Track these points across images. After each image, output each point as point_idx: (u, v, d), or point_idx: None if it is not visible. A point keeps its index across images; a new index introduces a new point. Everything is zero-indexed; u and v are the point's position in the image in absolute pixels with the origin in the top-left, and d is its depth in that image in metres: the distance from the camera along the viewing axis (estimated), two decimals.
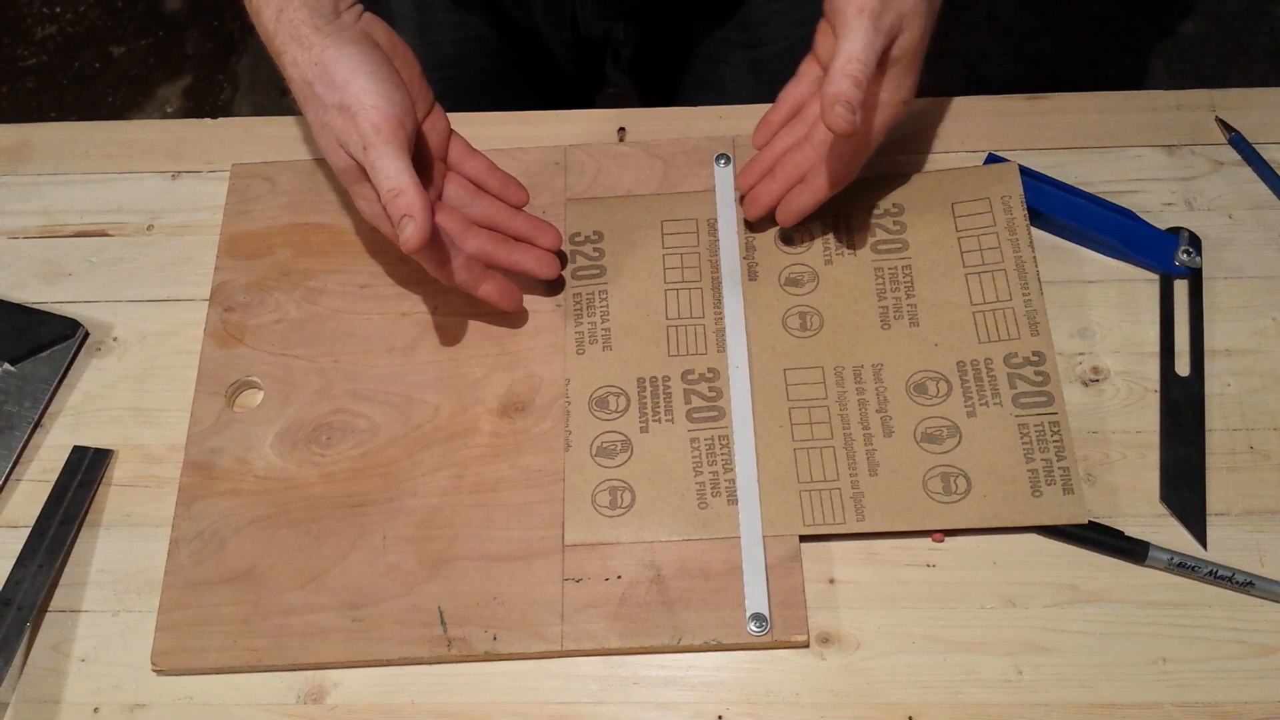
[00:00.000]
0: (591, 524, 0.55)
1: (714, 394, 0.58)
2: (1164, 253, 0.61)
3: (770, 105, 0.61)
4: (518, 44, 0.78)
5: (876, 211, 0.62)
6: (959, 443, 0.56)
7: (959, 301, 0.59)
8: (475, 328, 0.61)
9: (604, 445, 0.57)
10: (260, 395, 0.60)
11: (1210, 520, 0.55)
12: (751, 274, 0.61)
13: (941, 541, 0.55)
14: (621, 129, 0.68)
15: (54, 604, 0.55)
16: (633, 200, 0.64)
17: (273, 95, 1.67)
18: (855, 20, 0.52)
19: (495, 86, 0.81)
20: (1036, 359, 0.57)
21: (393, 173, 0.52)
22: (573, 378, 0.59)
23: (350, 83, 0.53)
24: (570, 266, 0.62)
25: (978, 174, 0.63)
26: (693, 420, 0.57)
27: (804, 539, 0.54)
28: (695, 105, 0.69)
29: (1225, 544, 0.54)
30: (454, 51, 0.78)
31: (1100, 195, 0.63)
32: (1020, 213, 0.61)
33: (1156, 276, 0.61)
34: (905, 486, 0.55)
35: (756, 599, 0.53)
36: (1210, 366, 0.58)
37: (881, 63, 0.54)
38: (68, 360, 0.61)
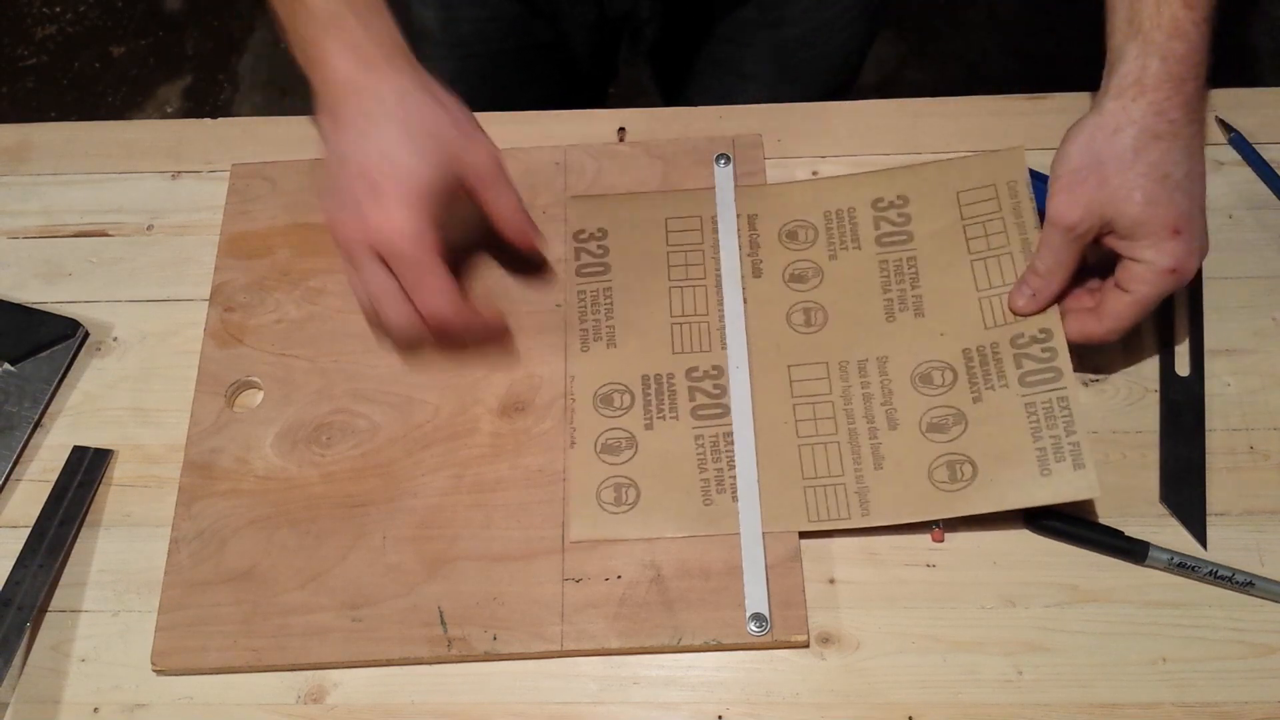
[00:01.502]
0: (596, 520, 0.55)
1: (718, 391, 0.58)
2: None
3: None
4: (537, 26, 0.78)
5: (881, 204, 0.62)
6: (965, 429, 0.55)
7: (964, 289, 0.59)
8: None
9: (608, 442, 0.57)
10: (260, 395, 0.60)
11: (1210, 520, 0.55)
12: (756, 271, 0.61)
13: (941, 541, 0.55)
14: (621, 129, 0.68)
15: (54, 604, 0.55)
16: (637, 197, 0.64)
17: (273, 95, 1.67)
18: (1045, 229, 0.56)
19: (510, 69, 0.80)
20: (1044, 335, 0.56)
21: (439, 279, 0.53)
22: (577, 375, 0.59)
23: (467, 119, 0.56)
24: (574, 264, 0.62)
25: (983, 161, 0.62)
26: (697, 417, 0.57)
27: (804, 537, 0.54)
28: (712, 88, 0.68)
29: (1225, 544, 0.54)
30: (473, 30, 0.77)
31: None
32: (1026, 196, 0.60)
33: None
34: (910, 478, 0.55)
35: (756, 599, 0.53)
36: (1210, 366, 0.58)
37: (1111, 242, 0.55)
38: (68, 360, 0.61)
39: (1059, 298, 0.57)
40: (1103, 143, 0.53)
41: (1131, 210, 0.53)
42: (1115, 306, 0.54)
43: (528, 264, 0.62)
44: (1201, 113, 0.54)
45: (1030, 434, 0.54)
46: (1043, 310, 0.57)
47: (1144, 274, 0.53)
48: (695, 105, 0.68)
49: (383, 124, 0.52)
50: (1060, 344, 0.56)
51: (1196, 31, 0.52)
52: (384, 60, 0.53)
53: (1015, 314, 0.57)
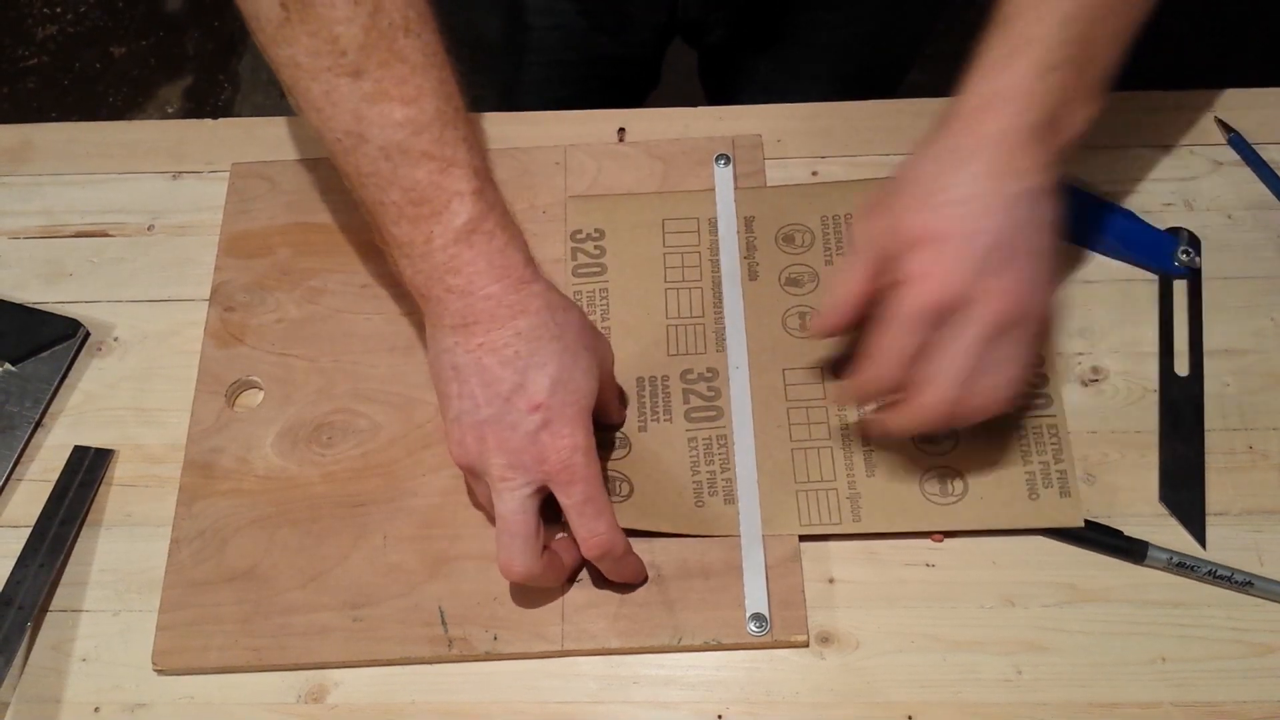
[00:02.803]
0: None
1: (712, 394, 0.58)
2: (1163, 253, 0.61)
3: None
4: (600, 38, 0.76)
5: None
6: (956, 444, 0.56)
7: None
8: None
9: (602, 440, 0.57)
10: (261, 395, 0.60)
11: (1209, 520, 0.55)
12: (752, 274, 0.61)
13: (941, 541, 0.55)
14: (621, 129, 0.68)
15: (55, 604, 0.55)
16: (634, 198, 0.64)
17: (273, 96, 1.67)
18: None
19: (564, 79, 0.79)
20: (1036, 361, 0.57)
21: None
22: None
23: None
24: (571, 264, 0.62)
25: None
26: (691, 420, 0.57)
27: (803, 538, 0.55)
28: (771, 87, 0.67)
29: (1224, 543, 0.54)
30: (535, 40, 0.76)
31: (1100, 195, 0.63)
32: None
33: (1156, 277, 0.61)
34: (901, 488, 0.55)
35: (756, 599, 0.53)
36: (1209, 366, 0.58)
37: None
38: (69, 360, 0.61)
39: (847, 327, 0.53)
40: (915, 164, 0.50)
41: (898, 220, 0.49)
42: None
43: None
44: (1029, 150, 0.48)
45: (1020, 456, 0.55)
46: (824, 335, 0.54)
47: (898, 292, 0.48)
48: (748, 103, 0.68)
49: (543, 345, 0.49)
50: (1050, 371, 0.57)
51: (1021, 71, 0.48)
52: (527, 271, 0.50)
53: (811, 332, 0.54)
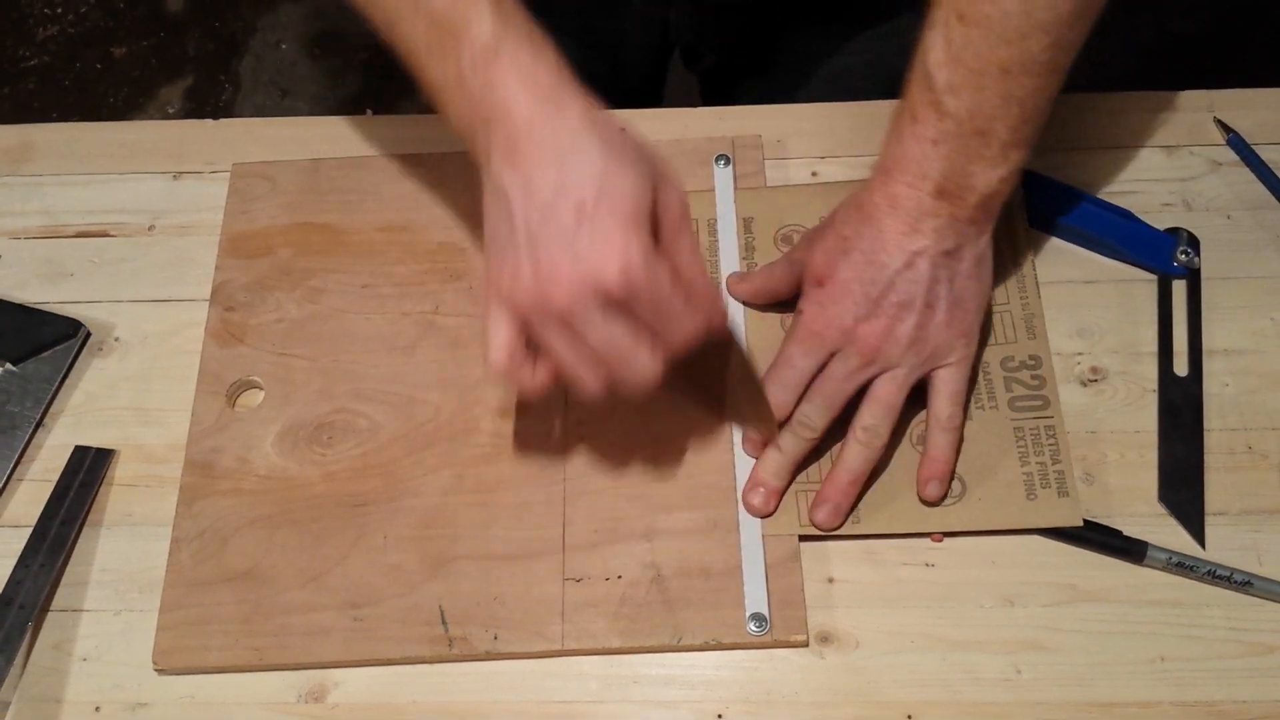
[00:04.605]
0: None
1: None
2: (1162, 253, 0.61)
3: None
4: (594, 58, 0.76)
5: None
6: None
7: None
8: (475, 327, 0.61)
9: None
10: (261, 395, 0.60)
11: (1208, 520, 0.55)
12: None
13: (940, 541, 0.55)
14: (621, 129, 0.67)
15: (56, 603, 0.55)
16: None
17: (274, 96, 1.67)
18: None
19: None
20: (1033, 362, 0.57)
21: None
22: None
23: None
24: None
25: None
26: None
27: (802, 538, 0.55)
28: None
29: (1223, 543, 0.54)
30: None
31: (1099, 196, 0.63)
32: (1019, 216, 0.61)
33: (1155, 277, 0.61)
34: (900, 489, 0.55)
35: (756, 599, 0.53)
36: (1208, 366, 0.58)
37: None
38: (69, 360, 0.61)
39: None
40: (844, 207, 0.55)
41: (813, 255, 0.54)
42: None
43: None
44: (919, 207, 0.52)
45: (1018, 457, 0.55)
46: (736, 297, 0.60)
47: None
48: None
49: (585, 145, 0.45)
50: (1048, 373, 0.57)
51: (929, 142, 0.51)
52: (563, 88, 0.46)
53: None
